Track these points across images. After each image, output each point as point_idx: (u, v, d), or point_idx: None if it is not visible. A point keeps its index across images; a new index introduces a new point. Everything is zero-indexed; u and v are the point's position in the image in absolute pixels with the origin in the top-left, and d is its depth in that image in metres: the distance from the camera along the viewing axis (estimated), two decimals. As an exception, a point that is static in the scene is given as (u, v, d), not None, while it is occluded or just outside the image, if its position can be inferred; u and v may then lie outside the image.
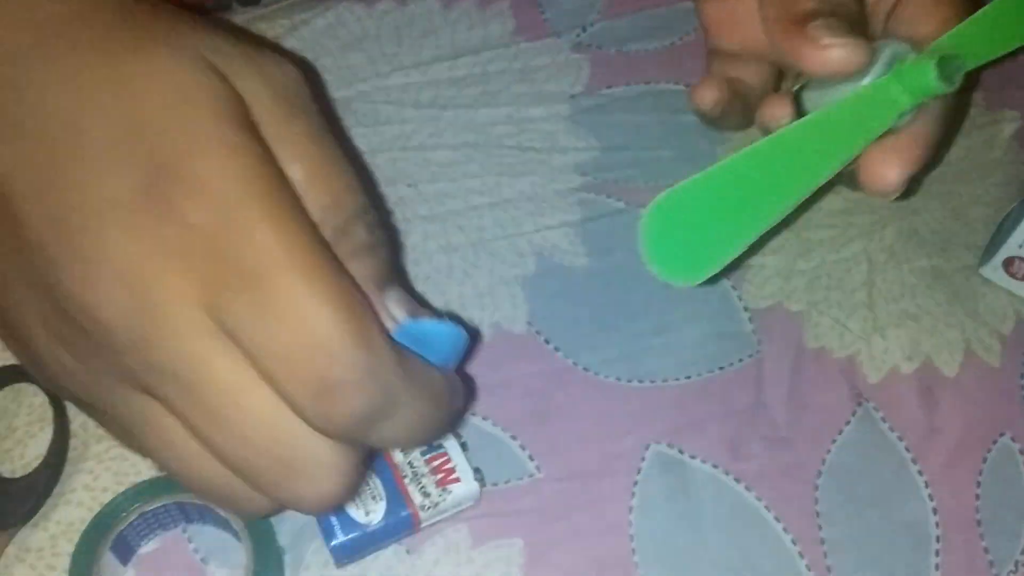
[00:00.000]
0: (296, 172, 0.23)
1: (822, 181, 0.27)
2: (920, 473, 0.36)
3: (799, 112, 0.31)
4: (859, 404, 0.38)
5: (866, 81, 0.28)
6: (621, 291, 0.40)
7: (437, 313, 0.26)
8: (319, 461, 0.23)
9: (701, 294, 0.40)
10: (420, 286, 0.39)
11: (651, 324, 0.39)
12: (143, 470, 0.35)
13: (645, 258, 0.24)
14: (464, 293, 0.39)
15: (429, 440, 0.31)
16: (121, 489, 0.34)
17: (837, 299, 0.40)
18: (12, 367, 0.36)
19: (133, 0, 0.24)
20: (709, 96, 0.36)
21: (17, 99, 0.23)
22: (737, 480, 0.36)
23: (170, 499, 0.33)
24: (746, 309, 0.40)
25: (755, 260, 0.41)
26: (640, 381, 0.38)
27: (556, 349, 0.38)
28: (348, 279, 0.22)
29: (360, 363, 0.21)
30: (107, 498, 0.34)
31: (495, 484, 0.35)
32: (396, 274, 0.26)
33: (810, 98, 0.31)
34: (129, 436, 0.25)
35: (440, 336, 0.25)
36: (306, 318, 0.21)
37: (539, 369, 0.38)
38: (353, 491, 0.25)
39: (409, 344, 0.24)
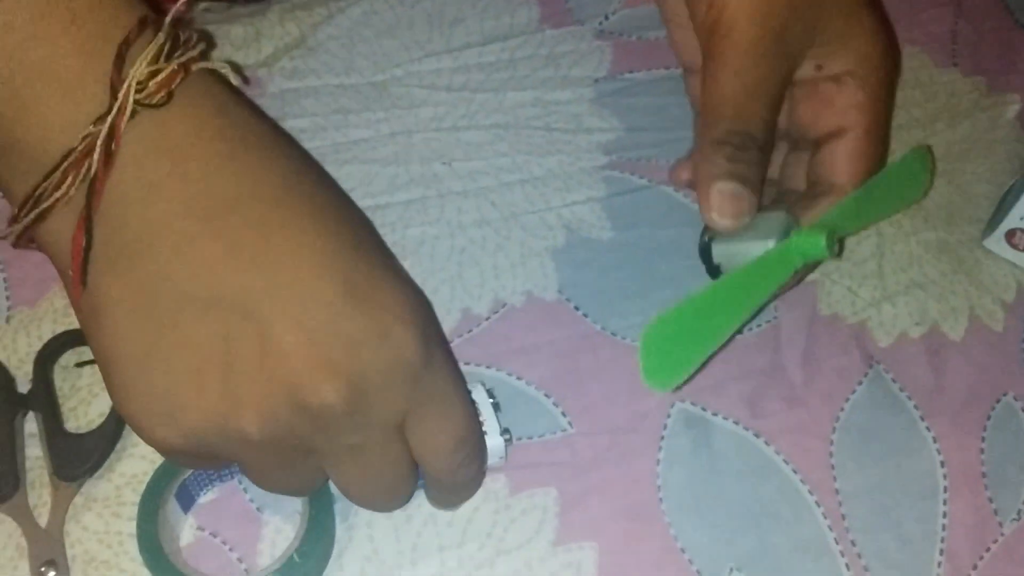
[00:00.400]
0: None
1: (755, 311, 0.36)
2: (928, 429, 0.39)
3: (709, 260, 0.38)
4: (870, 366, 0.40)
5: (768, 244, 0.35)
6: (645, 261, 0.42)
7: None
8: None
9: (720, 266, 0.42)
10: (456, 257, 0.42)
11: (675, 292, 0.41)
12: (200, 426, 0.37)
13: (642, 374, 0.32)
14: (498, 263, 0.42)
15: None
16: (181, 443, 0.37)
17: (848, 270, 0.42)
18: (75, 331, 0.39)
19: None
20: (684, 176, 0.41)
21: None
22: (757, 435, 0.38)
23: (229, 451, 0.35)
24: (763, 278, 0.42)
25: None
26: (665, 344, 0.40)
27: (585, 315, 0.41)
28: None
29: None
30: (168, 452, 0.36)
31: (530, 438, 0.38)
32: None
33: (719, 250, 0.37)
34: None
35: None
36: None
37: (570, 333, 0.40)
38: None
39: None
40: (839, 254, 0.36)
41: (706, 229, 0.38)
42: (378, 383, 0.28)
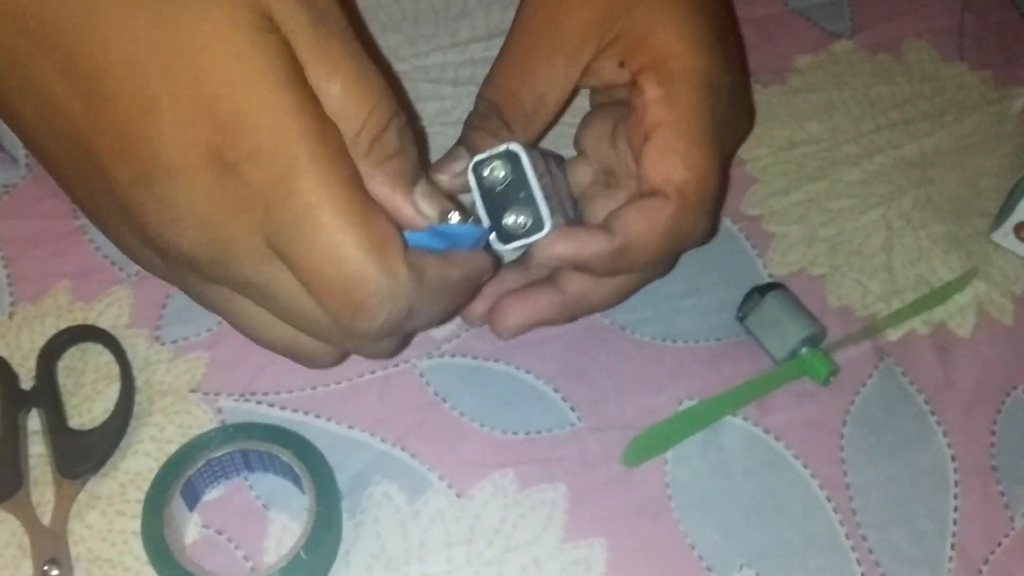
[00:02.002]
0: (334, 88, 0.27)
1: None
2: (938, 424, 0.39)
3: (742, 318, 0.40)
4: (880, 359, 0.40)
5: (789, 344, 0.39)
6: (652, 256, 0.42)
7: (460, 205, 0.30)
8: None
9: (727, 262, 0.42)
10: (462, 251, 0.41)
11: (682, 287, 0.41)
12: (205, 424, 0.37)
13: (622, 460, 0.37)
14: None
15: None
16: (186, 440, 0.36)
17: (858, 263, 0.42)
18: (79, 327, 0.38)
19: None
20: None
21: (93, 56, 0.26)
22: (766, 431, 0.38)
23: (235, 447, 0.35)
24: (771, 276, 0.42)
25: (778, 229, 0.43)
26: (674, 341, 0.40)
27: (593, 309, 0.40)
28: (380, 217, 0.27)
29: (383, 289, 0.27)
30: (172, 449, 0.36)
31: (538, 432, 0.37)
32: (422, 168, 0.30)
33: (752, 323, 0.40)
34: (210, 309, 0.31)
35: (463, 236, 0.30)
36: (341, 254, 0.26)
37: (577, 327, 0.40)
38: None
39: (435, 242, 0.29)
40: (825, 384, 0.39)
41: (743, 305, 0.40)
42: None
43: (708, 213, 0.35)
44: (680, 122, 0.34)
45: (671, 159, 0.33)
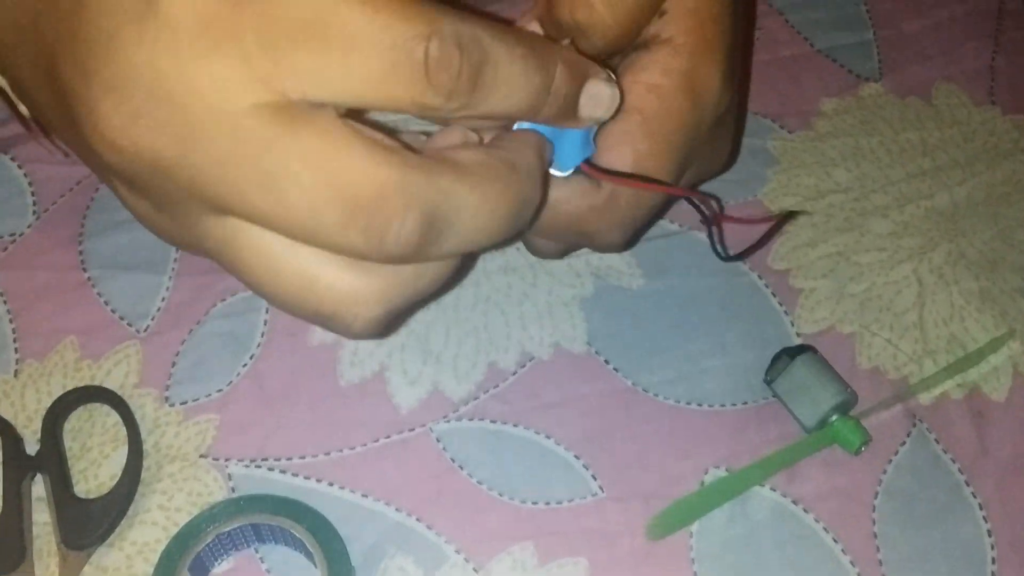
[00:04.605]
0: None
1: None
2: (974, 495, 0.37)
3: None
4: (913, 425, 0.39)
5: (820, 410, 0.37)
6: (677, 311, 0.40)
7: None
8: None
9: (754, 319, 0.41)
10: (481, 306, 0.40)
11: (707, 345, 0.40)
12: (215, 491, 0.36)
13: (646, 534, 0.36)
14: (524, 312, 0.40)
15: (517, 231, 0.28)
16: (195, 510, 0.35)
17: (889, 321, 0.41)
18: (86, 388, 0.37)
19: None
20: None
21: None
22: (795, 503, 0.37)
23: (245, 520, 0.34)
24: (799, 334, 0.40)
25: (806, 284, 0.42)
26: (699, 404, 0.38)
27: (615, 369, 0.39)
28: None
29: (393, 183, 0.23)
30: (181, 518, 0.35)
31: (559, 503, 0.36)
32: None
33: (780, 387, 0.38)
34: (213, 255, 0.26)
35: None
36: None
37: (599, 389, 0.39)
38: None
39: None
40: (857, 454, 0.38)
41: (771, 368, 0.38)
42: None
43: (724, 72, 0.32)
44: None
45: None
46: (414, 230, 0.23)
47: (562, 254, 0.38)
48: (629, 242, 0.36)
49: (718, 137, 0.35)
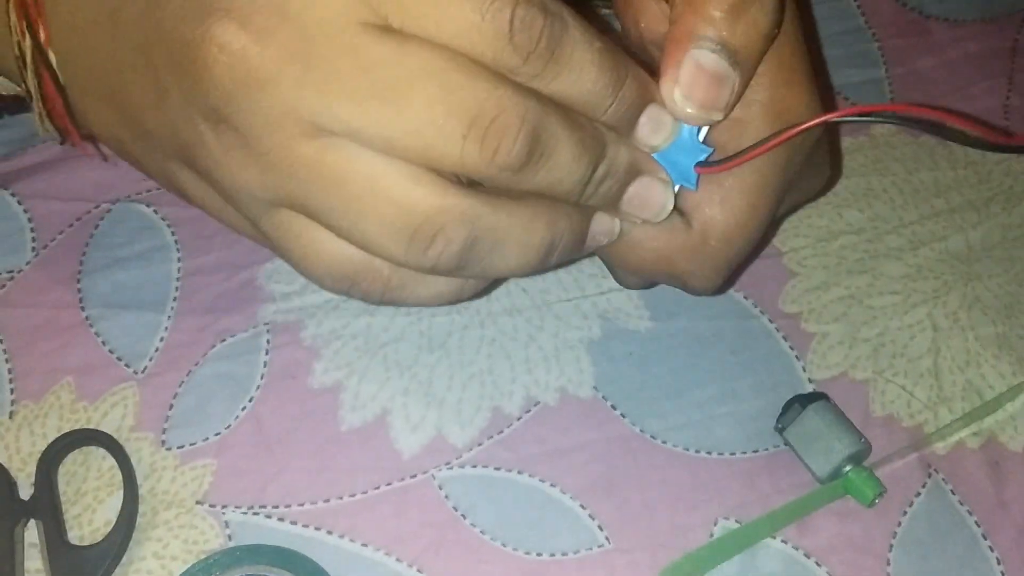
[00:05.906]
0: None
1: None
2: (991, 549, 0.36)
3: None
4: (928, 476, 0.38)
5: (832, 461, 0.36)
6: (686, 356, 0.40)
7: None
8: None
9: (764, 364, 0.40)
10: (486, 349, 0.39)
11: (717, 390, 0.39)
12: (212, 539, 0.35)
13: None
14: (530, 356, 0.39)
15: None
16: (190, 558, 0.34)
17: (903, 367, 0.40)
18: (81, 431, 0.36)
19: None
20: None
21: None
22: (807, 555, 0.36)
23: (242, 571, 0.33)
24: (811, 380, 0.39)
25: (818, 328, 0.41)
26: (708, 452, 0.38)
27: (623, 415, 0.38)
28: None
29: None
30: (176, 567, 0.34)
31: (564, 554, 0.35)
32: None
33: (792, 435, 0.37)
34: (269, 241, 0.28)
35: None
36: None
37: (606, 435, 0.38)
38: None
39: None
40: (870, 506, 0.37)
41: (783, 416, 0.37)
42: None
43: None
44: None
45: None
46: (524, 146, 0.25)
47: (651, 285, 0.37)
48: (723, 286, 0.34)
49: (815, 158, 0.34)
